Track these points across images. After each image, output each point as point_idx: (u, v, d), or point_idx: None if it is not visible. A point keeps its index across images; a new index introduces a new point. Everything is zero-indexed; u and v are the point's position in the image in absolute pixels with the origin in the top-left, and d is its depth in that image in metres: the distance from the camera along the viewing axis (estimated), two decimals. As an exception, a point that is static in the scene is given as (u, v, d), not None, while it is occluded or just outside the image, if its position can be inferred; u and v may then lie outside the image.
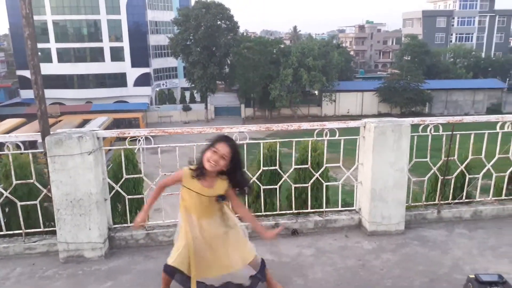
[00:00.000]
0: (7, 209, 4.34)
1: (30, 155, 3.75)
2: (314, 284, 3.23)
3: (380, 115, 43.82)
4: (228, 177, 2.74)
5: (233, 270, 2.81)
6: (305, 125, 3.92)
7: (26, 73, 44.53)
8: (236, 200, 2.86)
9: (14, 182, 3.74)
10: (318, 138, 3.99)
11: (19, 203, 3.78)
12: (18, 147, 3.69)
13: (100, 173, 3.67)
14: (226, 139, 2.70)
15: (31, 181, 3.75)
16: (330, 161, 4.30)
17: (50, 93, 44.85)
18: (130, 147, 3.83)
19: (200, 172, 2.70)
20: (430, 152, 4.17)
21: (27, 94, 45.47)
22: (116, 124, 36.66)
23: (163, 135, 3.84)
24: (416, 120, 3.98)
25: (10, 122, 33.43)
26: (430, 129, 4.02)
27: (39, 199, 3.80)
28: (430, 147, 4.16)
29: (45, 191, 3.74)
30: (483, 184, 4.53)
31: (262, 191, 4.28)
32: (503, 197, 4.49)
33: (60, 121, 35.92)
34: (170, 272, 2.82)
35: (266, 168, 4.36)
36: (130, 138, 3.81)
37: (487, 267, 3.44)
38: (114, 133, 3.69)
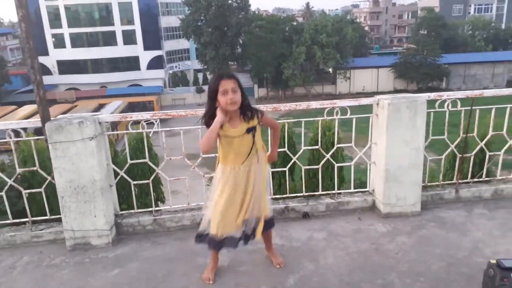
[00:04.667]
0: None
1: (33, 143, 3.66)
2: (325, 270, 3.11)
3: (396, 91, 42.91)
4: (243, 109, 2.75)
5: (249, 216, 2.91)
6: (315, 104, 3.73)
7: (41, 60, 45.02)
8: (268, 117, 2.93)
9: (18, 170, 3.67)
10: (328, 117, 3.81)
11: (24, 191, 3.72)
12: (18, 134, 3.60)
13: (104, 159, 3.57)
14: (221, 76, 2.69)
15: (35, 168, 3.68)
16: (345, 139, 4.12)
17: (66, 79, 45.31)
18: (133, 131, 3.72)
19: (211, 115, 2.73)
20: (447, 129, 3.95)
21: (43, 80, 45.84)
22: (131, 107, 36.76)
23: (174, 117, 3.72)
24: (432, 95, 3.76)
25: (28, 108, 33.78)
26: (448, 105, 3.79)
27: (43, 186, 3.73)
28: (447, 123, 3.94)
29: (49, 178, 3.67)
30: (504, 160, 4.30)
31: (270, 174, 4.11)
32: (526, 174, 4.26)
33: (75, 106, 36.21)
34: (217, 243, 2.93)
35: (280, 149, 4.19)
36: (136, 122, 3.70)
37: (509, 249, 3.27)
38: (115, 117, 3.58)
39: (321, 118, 3.91)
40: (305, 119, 3.95)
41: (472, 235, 3.50)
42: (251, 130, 2.76)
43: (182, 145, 3.81)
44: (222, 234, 2.89)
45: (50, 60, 45.02)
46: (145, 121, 3.68)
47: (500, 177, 4.24)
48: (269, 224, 3.04)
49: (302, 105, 3.72)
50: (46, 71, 44.89)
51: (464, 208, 3.95)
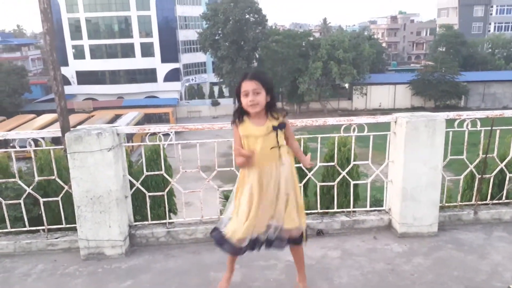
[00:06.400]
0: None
1: (52, 152, 3.73)
2: (339, 289, 3.06)
3: (413, 108, 42.59)
4: (271, 109, 2.65)
5: (274, 222, 2.72)
6: (331, 121, 3.72)
7: (61, 70, 45.91)
8: (290, 130, 2.74)
9: (37, 178, 3.73)
10: (344, 134, 3.79)
11: (41, 199, 3.77)
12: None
13: (120, 170, 3.61)
14: (245, 76, 2.60)
15: (53, 177, 3.73)
16: (361, 156, 4.09)
17: (84, 89, 46.20)
18: (150, 143, 3.76)
19: (241, 114, 2.66)
20: (466, 149, 3.89)
21: (62, 90, 46.82)
22: (146, 119, 37.29)
23: (190, 130, 3.75)
24: (451, 114, 3.71)
25: (46, 118, 34.52)
26: (467, 124, 3.74)
27: (60, 195, 3.78)
28: (466, 143, 3.88)
29: (66, 187, 3.71)
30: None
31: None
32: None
33: (92, 116, 36.83)
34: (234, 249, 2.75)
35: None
36: (152, 133, 3.75)
37: (530, 275, 3.17)
38: (134, 129, 3.63)
39: (338, 135, 3.89)
40: (321, 135, 3.94)
41: (491, 258, 3.41)
42: (276, 128, 2.64)
43: (198, 158, 3.82)
44: (239, 239, 2.69)
45: (70, 70, 46.03)
46: (161, 133, 3.71)
47: (521, 200, 4.14)
48: (295, 240, 2.79)
49: (319, 121, 3.71)
50: (65, 81, 45.68)
51: (483, 230, 3.86)
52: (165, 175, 3.91)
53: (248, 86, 2.56)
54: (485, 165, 3.94)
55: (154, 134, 3.76)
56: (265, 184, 2.65)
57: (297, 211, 2.75)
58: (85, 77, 46.32)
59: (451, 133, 3.79)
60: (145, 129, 3.64)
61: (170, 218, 3.96)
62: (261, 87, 2.57)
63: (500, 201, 4.13)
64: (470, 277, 3.15)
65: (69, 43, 45.68)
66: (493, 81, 44.67)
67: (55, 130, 3.52)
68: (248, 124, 2.65)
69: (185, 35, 49.15)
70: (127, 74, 47.13)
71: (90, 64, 46.19)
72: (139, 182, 3.82)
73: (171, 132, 3.76)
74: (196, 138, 3.94)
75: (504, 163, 4.02)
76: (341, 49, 39.78)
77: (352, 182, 4.07)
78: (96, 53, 46.56)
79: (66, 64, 45.27)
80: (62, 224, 3.86)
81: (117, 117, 35.27)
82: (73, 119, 34.97)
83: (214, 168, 3.89)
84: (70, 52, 46.13)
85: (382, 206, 4.10)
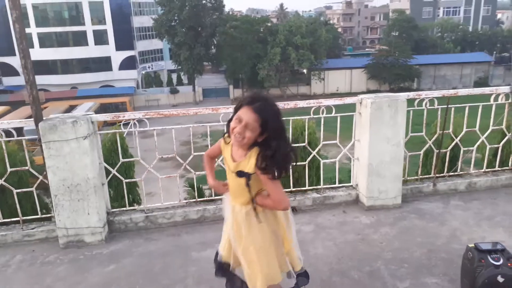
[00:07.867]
0: None
1: (24, 142, 3.69)
2: (315, 259, 3.28)
3: (369, 92, 43.67)
4: (261, 151, 2.00)
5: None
6: (302, 103, 3.90)
7: (8, 60, 43.60)
8: (269, 184, 2.03)
9: (9, 169, 3.67)
10: (314, 116, 3.98)
11: (15, 191, 3.72)
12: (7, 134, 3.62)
13: (96, 158, 3.63)
14: (250, 100, 1.99)
15: (27, 168, 3.69)
16: (324, 138, 4.30)
17: (34, 79, 44.01)
18: (125, 130, 3.79)
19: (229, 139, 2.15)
20: (425, 126, 4.20)
21: (9, 81, 44.35)
22: (103, 109, 36.15)
23: (151, 118, 3.72)
24: (411, 94, 4.00)
25: (-5, 109, 32.72)
26: (426, 103, 4.04)
27: (35, 186, 3.75)
28: (425, 121, 4.19)
29: (41, 177, 3.69)
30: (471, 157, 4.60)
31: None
32: (496, 168, 4.56)
33: (45, 107, 35.26)
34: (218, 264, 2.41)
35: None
36: (124, 121, 3.77)
37: (483, 237, 3.52)
38: (109, 116, 3.64)
39: (308, 117, 4.08)
40: (292, 118, 4.12)
41: (449, 225, 3.75)
42: (242, 175, 2.06)
43: (174, 145, 3.90)
44: (223, 258, 2.38)
45: (17, 60, 43.59)
46: (124, 122, 3.74)
47: (473, 171, 4.53)
48: None
49: (290, 104, 3.88)
50: (13, 71, 43.59)
51: (441, 200, 4.21)
52: (141, 161, 3.96)
53: (245, 115, 1.97)
54: (442, 141, 4.27)
55: (113, 124, 3.76)
56: (231, 222, 2.25)
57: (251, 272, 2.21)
58: (34, 67, 41.04)
59: (411, 111, 4.07)
60: (120, 116, 3.67)
61: (139, 204, 4.03)
62: (258, 127, 1.97)
63: (455, 173, 4.50)
64: (432, 242, 3.47)
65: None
66: (443, 64, 46.85)
67: (27, 120, 3.48)
68: (229, 149, 2.17)
69: (140, 21, 47.73)
70: (80, 63, 45.27)
71: (39, 53, 43.84)
72: (115, 169, 3.86)
73: (135, 121, 3.76)
74: (153, 126, 3.86)
75: (458, 138, 4.37)
76: (298, 34, 40.22)
77: (322, 161, 4.29)
78: (46, 41, 44.31)
79: (13, 53, 42.89)
80: (36, 215, 3.84)
81: (72, 108, 33.92)
82: (24, 112, 33.28)
83: (176, 156, 4.00)
84: (16, 40, 43.65)
85: (348, 183, 4.36)
